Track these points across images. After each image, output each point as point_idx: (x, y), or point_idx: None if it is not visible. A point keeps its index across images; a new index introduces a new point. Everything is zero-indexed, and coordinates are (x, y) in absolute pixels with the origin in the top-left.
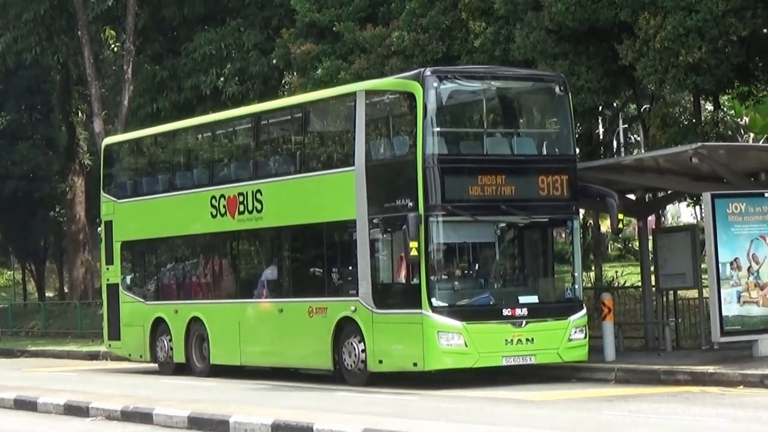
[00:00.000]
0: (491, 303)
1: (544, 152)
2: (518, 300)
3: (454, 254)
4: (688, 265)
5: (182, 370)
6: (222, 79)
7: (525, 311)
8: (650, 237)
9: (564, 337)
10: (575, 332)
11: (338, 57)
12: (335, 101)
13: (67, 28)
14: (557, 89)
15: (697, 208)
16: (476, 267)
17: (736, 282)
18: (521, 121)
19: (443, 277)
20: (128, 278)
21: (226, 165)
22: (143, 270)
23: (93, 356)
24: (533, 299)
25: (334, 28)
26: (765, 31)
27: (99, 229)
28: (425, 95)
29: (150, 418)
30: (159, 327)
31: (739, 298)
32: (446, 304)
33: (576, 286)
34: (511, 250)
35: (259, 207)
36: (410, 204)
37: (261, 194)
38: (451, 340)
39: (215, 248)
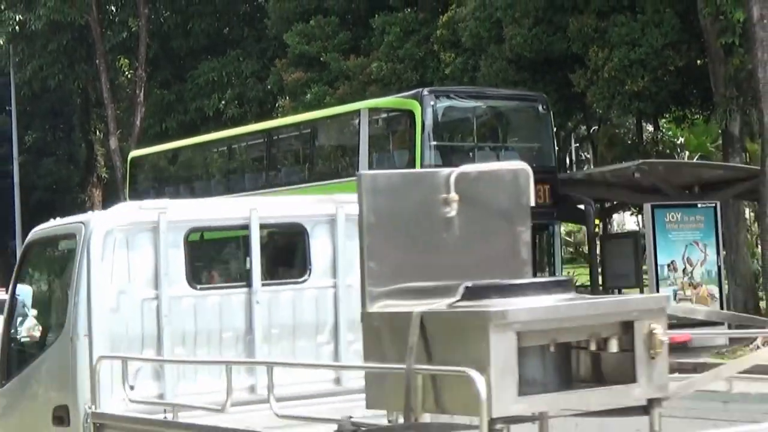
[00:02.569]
0: None
1: (529, 164)
2: None
3: None
4: (631, 267)
5: None
6: (223, 102)
7: None
8: (598, 242)
9: None
10: None
11: (325, 84)
12: (341, 118)
13: (86, 57)
14: (540, 108)
15: (640, 216)
16: None
17: (672, 282)
18: (507, 135)
19: None
20: None
21: (241, 175)
22: None
23: None
24: None
25: (321, 59)
26: (698, 62)
27: None
28: (423, 112)
29: None
30: None
31: (675, 295)
32: None
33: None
34: None
35: None
36: None
37: None
38: None
39: (232, 251)
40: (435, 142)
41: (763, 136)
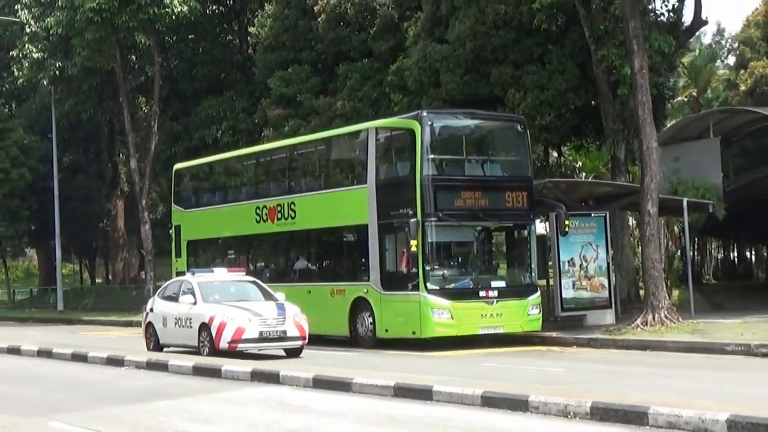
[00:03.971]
0: (471, 287)
1: (509, 174)
2: (491, 284)
3: (444, 250)
4: (540, 262)
5: None
6: (219, 132)
7: (496, 293)
8: None
9: (524, 312)
10: (532, 309)
11: (300, 118)
12: (352, 136)
13: (112, 96)
14: (518, 127)
15: (546, 223)
16: (460, 259)
17: (572, 274)
18: (492, 150)
19: (435, 267)
20: (193, 267)
21: (267, 184)
22: (203, 260)
23: (128, 324)
24: (502, 284)
25: (297, 99)
26: (592, 103)
27: (170, 231)
28: (422, 131)
29: (166, 367)
30: None
31: (573, 285)
32: (438, 288)
33: (533, 274)
34: (485, 247)
35: (293, 215)
36: (410, 212)
37: (294, 205)
38: (442, 315)
39: (258, 245)
40: (432, 156)
41: (642, 161)
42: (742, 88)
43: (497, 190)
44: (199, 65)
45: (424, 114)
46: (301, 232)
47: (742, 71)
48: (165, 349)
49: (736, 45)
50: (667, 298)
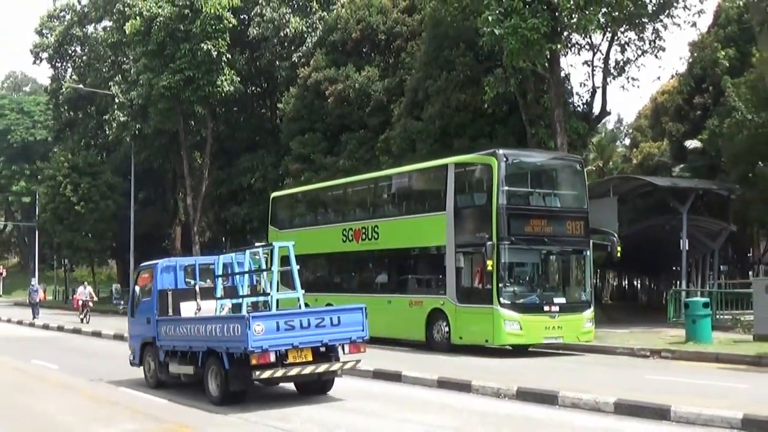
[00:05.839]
0: (537, 302)
1: (569, 206)
2: (553, 300)
3: (514, 269)
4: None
5: None
6: (253, 179)
7: (557, 308)
8: None
9: (581, 325)
10: (587, 323)
11: (312, 171)
12: (432, 170)
13: (176, 150)
14: (577, 166)
15: None
16: (527, 278)
17: None
18: (555, 185)
19: (507, 284)
20: (284, 279)
21: (354, 210)
22: None
23: None
24: (562, 300)
25: (311, 157)
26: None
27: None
28: (499, 166)
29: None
30: None
31: None
32: (509, 302)
33: (587, 292)
34: (549, 268)
35: (376, 236)
36: (486, 236)
37: (377, 228)
38: (512, 326)
39: (344, 261)
40: (506, 188)
41: None
42: (634, 161)
43: (560, 219)
44: (239, 130)
45: (500, 152)
46: (382, 251)
47: (634, 149)
48: None
49: (631, 131)
50: None
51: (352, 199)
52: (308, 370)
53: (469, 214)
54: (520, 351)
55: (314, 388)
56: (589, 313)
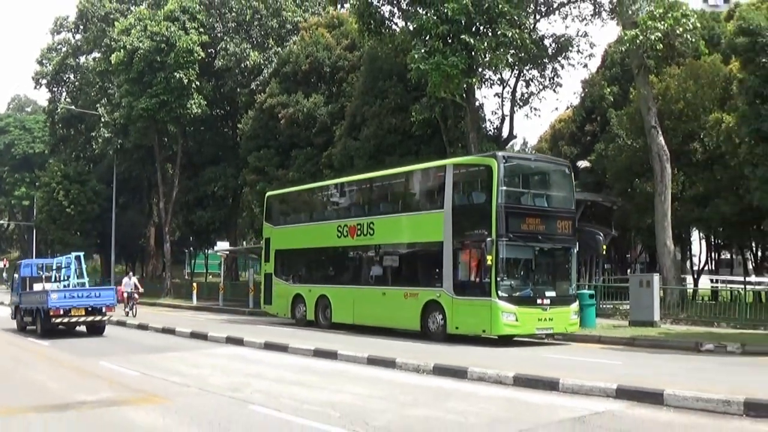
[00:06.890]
0: (531, 295)
1: (559, 206)
2: (545, 294)
3: (511, 264)
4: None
5: (310, 324)
6: (216, 188)
7: (548, 301)
8: None
9: (568, 317)
10: (573, 315)
11: (266, 182)
12: (433, 170)
13: (151, 162)
14: (566, 170)
15: None
16: (523, 272)
17: None
18: (547, 186)
19: (504, 278)
20: (279, 270)
21: (347, 207)
22: (289, 266)
23: (153, 304)
24: (553, 293)
25: (265, 169)
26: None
27: (261, 242)
28: (498, 167)
29: (173, 332)
30: (297, 298)
31: None
32: (506, 295)
33: (573, 286)
34: (541, 263)
35: (371, 232)
36: (485, 233)
37: (373, 224)
38: (509, 317)
39: (337, 255)
40: (504, 188)
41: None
42: None
43: (552, 218)
44: (205, 146)
45: (500, 154)
46: (378, 246)
47: None
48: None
49: (534, 152)
50: None
51: (347, 197)
52: (82, 319)
53: (468, 211)
54: (504, 341)
55: (94, 330)
56: (575, 306)
